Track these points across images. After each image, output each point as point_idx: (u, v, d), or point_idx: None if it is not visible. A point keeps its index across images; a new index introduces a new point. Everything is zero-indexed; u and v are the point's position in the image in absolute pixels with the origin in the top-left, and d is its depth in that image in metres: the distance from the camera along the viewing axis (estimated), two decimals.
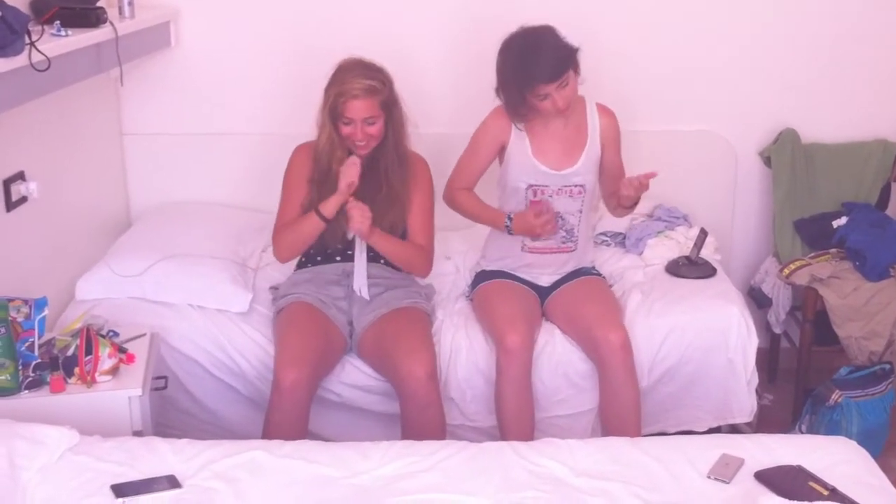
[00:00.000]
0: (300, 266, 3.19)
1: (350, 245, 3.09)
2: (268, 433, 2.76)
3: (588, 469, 2.25)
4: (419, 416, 2.85)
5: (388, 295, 3.07)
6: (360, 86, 2.91)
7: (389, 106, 2.99)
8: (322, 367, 2.92)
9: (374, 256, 3.11)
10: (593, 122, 3.12)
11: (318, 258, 3.14)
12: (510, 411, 2.97)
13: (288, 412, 2.78)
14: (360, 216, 2.93)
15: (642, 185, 2.97)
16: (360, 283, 3.05)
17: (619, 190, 3.03)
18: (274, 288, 3.24)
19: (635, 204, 3.11)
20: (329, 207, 2.97)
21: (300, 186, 3.08)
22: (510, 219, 3.08)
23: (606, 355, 2.95)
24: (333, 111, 2.96)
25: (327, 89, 2.98)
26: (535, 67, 2.88)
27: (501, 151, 3.13)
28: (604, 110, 3.15)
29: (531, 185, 3.09)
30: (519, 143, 3.08)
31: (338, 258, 3.12)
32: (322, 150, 3.03)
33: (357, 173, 2.95)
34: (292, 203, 3.09)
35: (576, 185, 3.10)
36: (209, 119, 3.76)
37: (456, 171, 3.18)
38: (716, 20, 3.73)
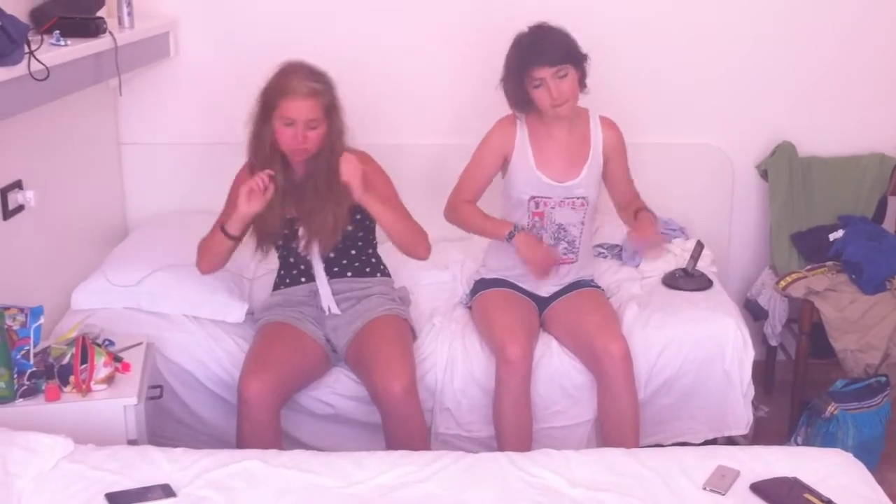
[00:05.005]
0: (274, 288, 3.15)
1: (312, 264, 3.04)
2: (240, 445, 2.74)
3: (584, 480, 2.25)
4: (399, 429, 2.84)
5: (361, 306, 3.03)
6: (305, 86, 2.80)
7: (331, 112, 2.86)
8: (291, 377, 2.89)
9: (337, 272, 3.06)
10: (596, 134, 3.13)
11: (287, 280, 3.11)
12: (509, 423, 2.97)
13: (256, 423, 2.77)
14: (352, 168, 2.79)
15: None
16: (327, 300, 3.02)
17: (631, 226, 3.12)
18: (250, 313, 3.22)
19: None
20: (233, 225, 2.87)
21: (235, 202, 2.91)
22: (516, 228, 3.06)
23: (607, 366, 2.94)
24: (271, 111, 2.82)
25: (265, 91, 2.84)
26: (534, 51, 2.92)
27: (505, 164, 3.13)
28: (607, 123, 3.16)
29: (533, 197, 3.09)
30: (522, 154, 3.08)
31: (303, 279, 3.07)
32: (260, 154, 2.87)
33: (262, 180, 2.81)
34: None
35: (578, 198, 3.10)
36: (207, 129, 3.76)
37: (460, 183, 3.16)
38: (714, 33, 3.75)
